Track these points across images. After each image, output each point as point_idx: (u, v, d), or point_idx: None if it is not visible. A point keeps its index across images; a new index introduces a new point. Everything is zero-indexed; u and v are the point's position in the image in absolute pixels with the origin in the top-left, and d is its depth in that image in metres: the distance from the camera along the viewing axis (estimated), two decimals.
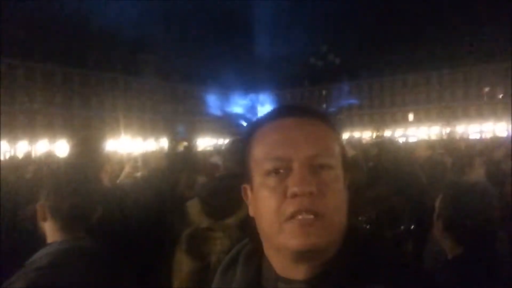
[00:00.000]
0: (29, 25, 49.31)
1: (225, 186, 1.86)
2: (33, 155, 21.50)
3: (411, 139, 35.05)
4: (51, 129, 47.95)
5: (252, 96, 73.44)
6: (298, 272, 0.77)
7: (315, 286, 0.76)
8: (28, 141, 44.16)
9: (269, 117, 0.84)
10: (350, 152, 6.23)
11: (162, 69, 62.54)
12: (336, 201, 0.76)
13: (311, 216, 0.73)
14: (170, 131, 52.02)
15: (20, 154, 23.44)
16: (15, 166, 8.49)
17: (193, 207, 2.06)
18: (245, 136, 0.88)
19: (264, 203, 0.77)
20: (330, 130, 0.82)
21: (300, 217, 0.73)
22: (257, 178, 0.80)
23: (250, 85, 72.80)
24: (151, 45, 64.08)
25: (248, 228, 0.87)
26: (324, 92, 72.29)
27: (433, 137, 33.20)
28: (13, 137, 42.87)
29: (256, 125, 0.85)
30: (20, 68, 49.47)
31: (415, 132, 55.78)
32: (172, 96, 65.81)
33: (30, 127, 45.83)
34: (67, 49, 53.64)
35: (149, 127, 57.29)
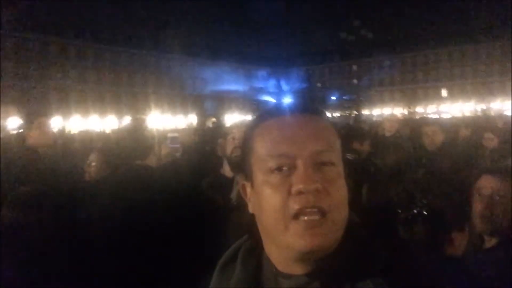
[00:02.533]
0: (61, 2, 50.00)
1: None
2: (66, 130, 22.05)
3: (444, 116, 34.23)
4: (83, 105, 48.98)
5: (280, 72, 72.89)
6: (299, 268, 0.78)
7: (314, 279, 0.77)
8: (62, 117, 45.32)
9: (269, 114, 0.85)
10: (389, 132, 6.00)
11: (190, 45, 62.58)
12: (340, 197, 0.77)
13: (317, 217, 0.73)
14: (198, 107, 52.51)
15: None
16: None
17: None
18: (245, 132, 0.88)
19: (268, 200, 0.77)
20: (330, 126, 0.83)
21: (305, 217, 0.73)
22: (259, 175, 0.80)
23: (278, 61, 72.25)
24: (178, 20, 64.11)
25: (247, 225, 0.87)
26: (354, 67, 71.09)
27: (467, 114, 32.28)
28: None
29: (257, 122, 0.85)
30: (53, 45, 50.48)
31: (449, 109, 54.38)
32: (200, 73, 66.03)
33: (63, 102, 46.89)
34: (98, 26, 54.37)
35: (178, 104, 57.77)
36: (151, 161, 2.66)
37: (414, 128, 5.66)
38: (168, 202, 2.39)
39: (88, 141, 7.37)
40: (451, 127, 6.23)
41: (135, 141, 2.62)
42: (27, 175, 2.89)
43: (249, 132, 0.85)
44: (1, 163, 3.44)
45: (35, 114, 3.45)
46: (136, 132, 2.69)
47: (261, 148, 0.80)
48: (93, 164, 3.33)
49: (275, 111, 0.84)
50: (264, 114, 0.86)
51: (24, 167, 2.98)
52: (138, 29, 58.54)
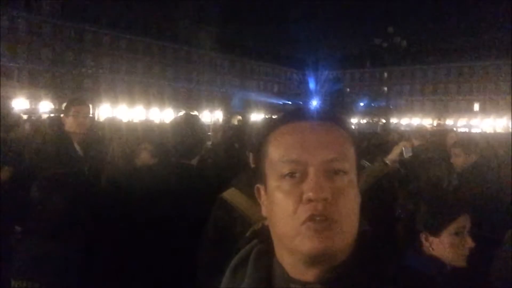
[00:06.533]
0: None
1: None
2: (96, 117, 22.43)
3: (474, 130, 33.46)
4: (113, 93, 49.77)
5: (309, 74, 72.40)
6: (311, 275, 0.78)
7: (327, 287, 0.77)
8: (92, 104, 46.13)
9: (285, 119, 0.85)
10: (416, 142, 5.89)
11: (222, 42, 62.81)
12: (349, 207, 0.77)
13: (325, 221, 0.74)
14: (225, 104, 52.69)
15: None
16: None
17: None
18: (260, 137, 0.89)
19: (279, 206, 0.78)
20: (345, 134, 0.82)
21: (314, 223, 0.74)
22: (272, 180, 0.81)
23: (308, 63, 71.79)
24: (212, 17, 64.42)
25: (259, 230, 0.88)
26: (385, 75, 70.10)
27: (499, 130, 31.48)
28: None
29: (272, 126, 0.85)
30: (88, 33, 51.47)
31: (480, 123, 53.09)
32: (230, 70, 66.25)
33: (94, 90, 47.73)
34: (132, 17, 55.12)
35: (205, 99, 58.07)
36: (195, 160, 2.50)
37: (443, 144, 5.48)
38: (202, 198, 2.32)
39: (114, 131, 7.48)
40: (483, 145, 5.97)
41: (187, 139, 2.41)
42: (59, 159, 2.98)
43: (264, 137, 0.86)
44: (34, 145, 3.55)
45: (72, 100, 3.53)
46: (189, 130, 2.43)
47: (275, 153, 0.80)
48: (142, 153, 3.38)
49: (291, 117, 0.85)
50: (280, 119, 0.86)
51: (57, 151, 3.07)
52: (171, 23, 59.06)
